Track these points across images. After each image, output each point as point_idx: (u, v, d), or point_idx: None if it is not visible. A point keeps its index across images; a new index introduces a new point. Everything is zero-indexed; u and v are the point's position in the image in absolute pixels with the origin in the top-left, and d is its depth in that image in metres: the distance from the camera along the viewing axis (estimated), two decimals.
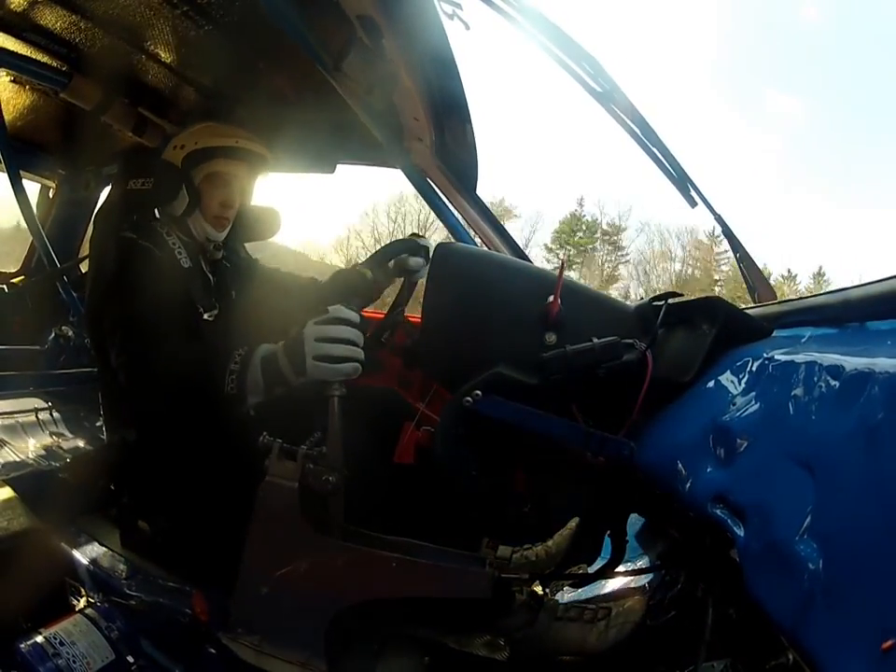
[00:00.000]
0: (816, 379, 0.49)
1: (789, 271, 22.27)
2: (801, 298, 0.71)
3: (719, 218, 1.26)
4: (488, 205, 1.62)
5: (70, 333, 2.08)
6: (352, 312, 0.93)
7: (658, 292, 1.02)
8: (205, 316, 1.18)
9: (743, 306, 0.85)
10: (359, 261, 1.21)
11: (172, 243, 1.17)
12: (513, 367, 0.84)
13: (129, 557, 1.13)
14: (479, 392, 0.83)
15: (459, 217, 1.57)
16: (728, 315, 0.73)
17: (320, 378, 0.91)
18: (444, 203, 1.55)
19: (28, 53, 1.44)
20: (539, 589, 1.10)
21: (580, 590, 1.21)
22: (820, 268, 22.26)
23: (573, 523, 1.22)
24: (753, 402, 0.58)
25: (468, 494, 0.91)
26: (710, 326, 0.74)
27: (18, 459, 1.29)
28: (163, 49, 1.40)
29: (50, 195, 2.23)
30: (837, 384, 0.45)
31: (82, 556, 1.12)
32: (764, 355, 0.60)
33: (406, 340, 1.21)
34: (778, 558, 0.45)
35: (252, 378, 0.94)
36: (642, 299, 0.93)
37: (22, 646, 0.86)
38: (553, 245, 24.28)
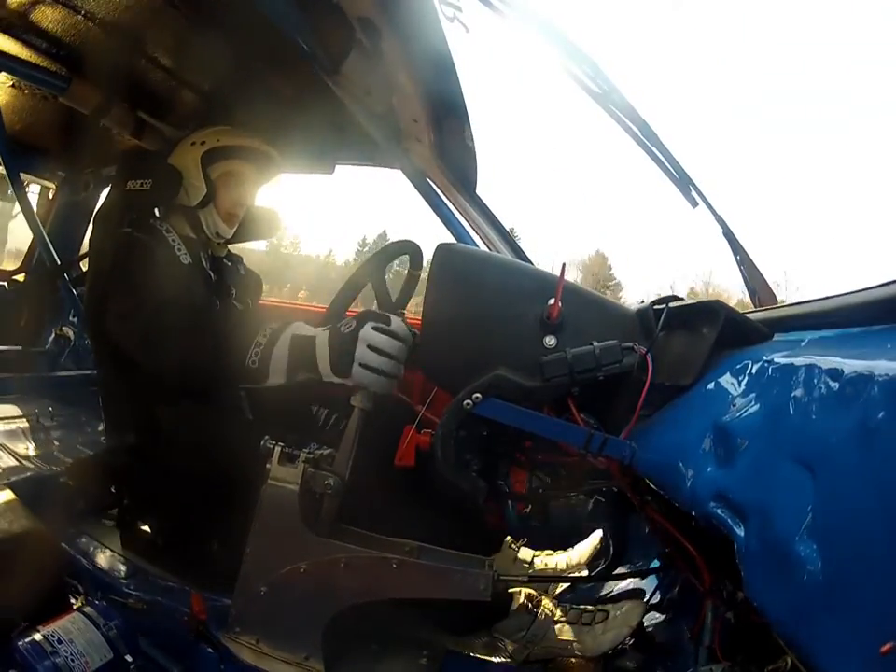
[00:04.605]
0: (816, 381, 0.48)
1: None
2: (801, 303, 0.71)
3: (719, 219, 1.26)
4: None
5: (70, 334, 2.08)
6: (408, 330, 0.90)
7: None
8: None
9: (744, 311, 0.85)
10: None
11: (171, 240, 1.18)
12: (514, 369, 0.84)
13: (128, 558, 1.13)
14: (479, 395, 0.83)
15: (460, 218, 1.57)
16: (728, 318, 0.73)
17: (358, 384, 0.87)
18: (445, 203, 1.55)
19: (28, 57, 1.44)
20: (536, 591, 1.10)
21: (578, 592, 1.21)
22: None
23: (596, 536, 1.23)
24: (753, 404, 0.58)
25: (468, 496, 0.91)
26: (710, 329, 0.74)
27: (19, 463, 1.29)
28: (162, 52, 1.40)
29: (50, 196, 2.23)
30: (837, 385, 0.45)
31: (82, 556, 1.12)
32: (764, 358, 0.60)
33: None
34: (777, 559, 0.45)
35: (278, 355, 0.88)
36: (643, 302, 0.93)
37: (20, 644, 0.86)
38: None
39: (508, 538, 1.21)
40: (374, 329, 0.86)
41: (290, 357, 0.88)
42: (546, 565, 1.19)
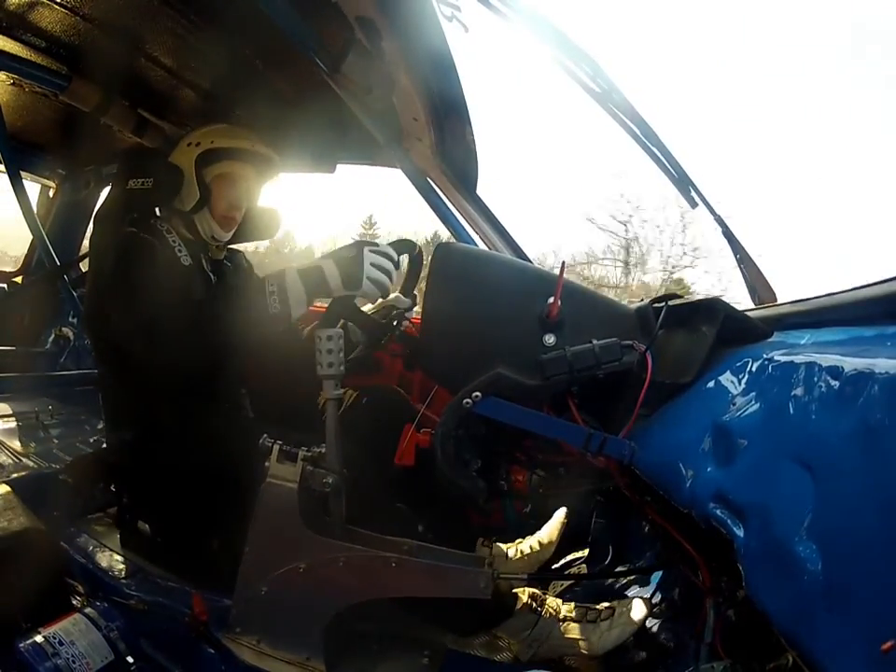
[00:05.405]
0: (815, 380, 0.48)
1: None
2: (801, 300, 0.71)
3: (719, 219, 1.26)
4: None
5: (70, 335, 2.08)
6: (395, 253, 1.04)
7: None
8: None
9: (744, 308, 0.85)
10: None
11: (172, 240, 1.17)
12: (513, 368, 0.84)
13: (129, 557, 1.13)
14: (479, 393, 0.83)
15: (460, 217, 1.56)
16: (728, 316, 0.73)
17: (365, 296, 1.02)
18: (445, 202, 1.55)
19: (27, 56, 1.44)
20: (540, 590, 1.10)
21: (581, 590, 1.21)
22: None
23: (561, 514, 1.23)
24: (753, 403, 0.58)
25: (468, 495, 0.91)
26: (710, 327, 0.74)
27: (19, 461, 1.29)
28: (162, 51, 1.40)
29: (51, 195, 2.23)
30: (837, 384, 0.45)
31: (82, 556, 1.12)
32: (764, 356, 0.60)
33: (407, 341, 1.21)
34: (778, 558, 0.45)
35: (294, 291, 1.00)
36: (643, 300, 0.93)
37: (22, 645, 0.86)
38: None
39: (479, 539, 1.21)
40: (371, 251, 1.01)
41: (305, 286, 1.01)
42: (520, 552, 1.19)
